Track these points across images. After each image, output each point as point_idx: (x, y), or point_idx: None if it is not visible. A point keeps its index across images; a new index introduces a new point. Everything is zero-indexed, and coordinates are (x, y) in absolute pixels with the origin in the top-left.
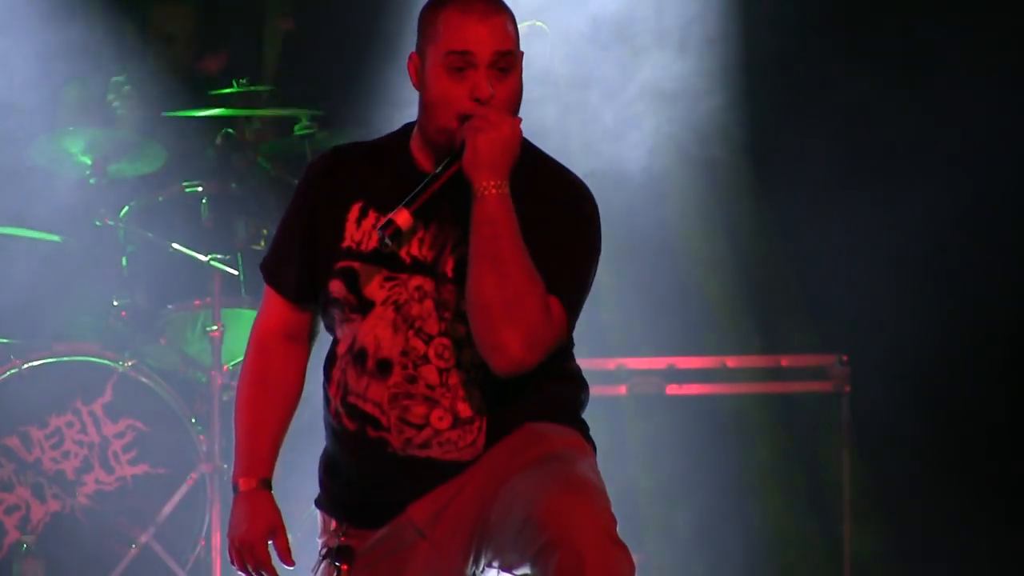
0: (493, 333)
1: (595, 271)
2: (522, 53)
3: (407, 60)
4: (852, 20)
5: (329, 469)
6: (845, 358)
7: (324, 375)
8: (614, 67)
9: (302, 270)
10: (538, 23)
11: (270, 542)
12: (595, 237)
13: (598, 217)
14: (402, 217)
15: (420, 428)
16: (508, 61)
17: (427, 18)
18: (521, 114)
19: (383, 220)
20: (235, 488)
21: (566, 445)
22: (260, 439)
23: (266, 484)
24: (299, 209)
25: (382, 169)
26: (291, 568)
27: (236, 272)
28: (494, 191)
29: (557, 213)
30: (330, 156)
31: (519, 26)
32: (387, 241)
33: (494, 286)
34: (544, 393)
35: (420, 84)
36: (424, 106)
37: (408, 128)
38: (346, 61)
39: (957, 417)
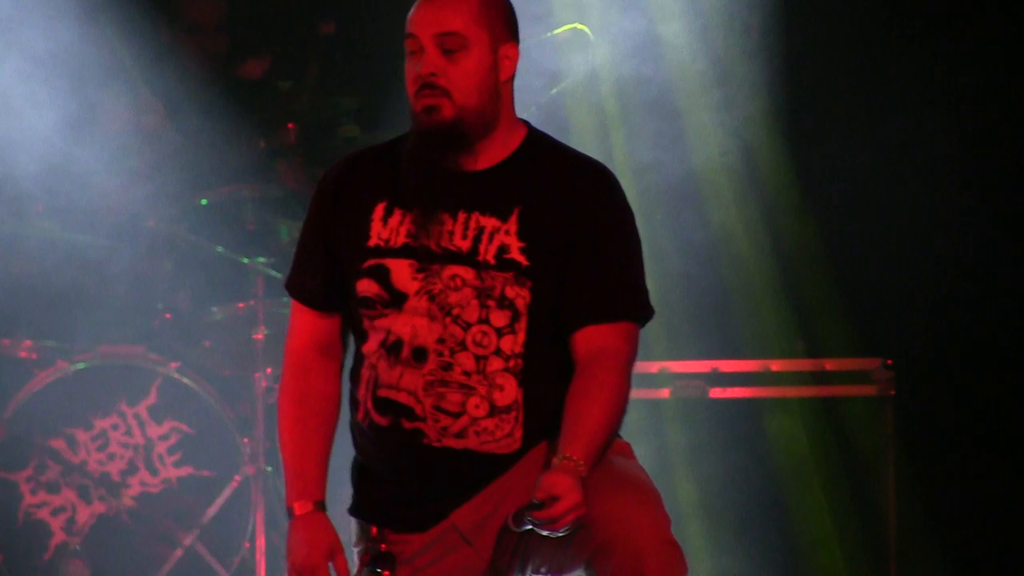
0: None
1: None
2: (490, 38)
3: None
4: (899, 15)
5: (363, 473)
6: (890, 362)
7: (351, 382)
8: (652, 68)
9: (327, 278)
10: (580, 26)
11: (331, 563)
12: (633, 225)
13: (629, 205)
14: None
15: (456, 416)
16: (453, 42)
17: None
18: (563, 111)
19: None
20: (291, 512)
21: (611, 448)
22: (309, 461)
23: (321, 506)
24: (317, 219)
25: (399, 165)
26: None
27: (279, 275)
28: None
29: (604, 225)
30: (342, 165)
31: (560, 29)
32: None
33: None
34: None
35: None
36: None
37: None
38: (388, 64)
39: (1003, 420)
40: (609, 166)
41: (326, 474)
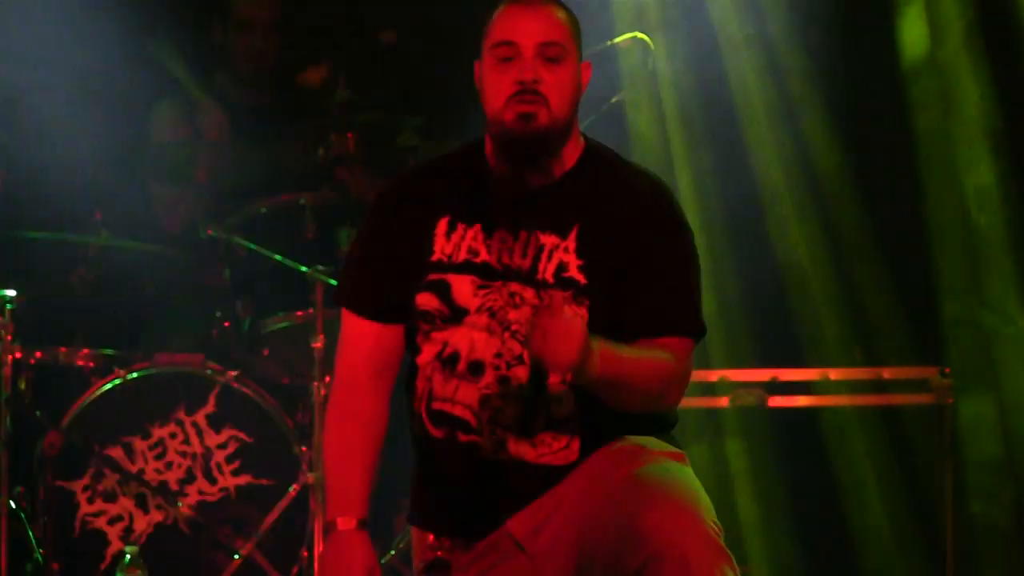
0: (644, 411)
1: (700, 280)
2: (578, 52)
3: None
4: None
5: (421, 482)
6: (947, 370)
7: (407, 392)
8: (713, 78)
9: (386, 290)
10: (640, 35)
11: None
12: (690, 240)
13: (688, 224)
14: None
15: (512, 429)
16: (555, 52)
17: (486, 22)
18: (623, 119)
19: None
20: (332, 527)
21: (665, 457)
22: (354, 477)
23: (364, 525)
24: (377, 233)
25: (461, 181)
26: None
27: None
28: (585, 377)
29: (658, 238)
30: (404, 178)
31: (621, 38)
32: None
33: (630, 405)
34: None
35: (479, 87)
36: (484, 104)
37: (479, 139)
38: (448, 73)
39: None
40: (669, 174)
41: (370, 492)
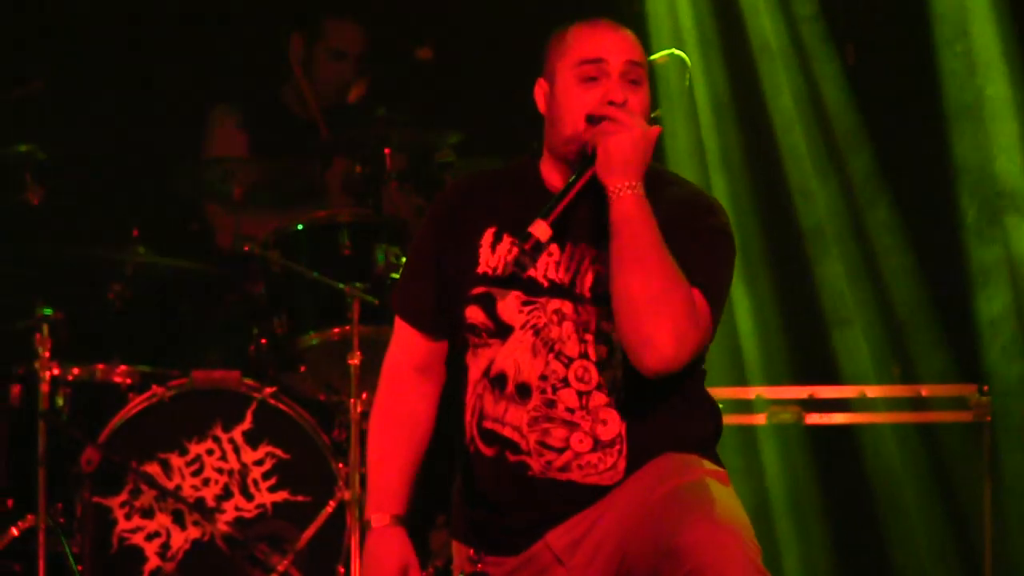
0: (642, 328)
1: (731, 279)
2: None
3: (533, 88)
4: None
5: (465, 496)
6: (986, 388)
7: (457, 403)
8: (748, 94)
9: (435, 301)
10: (677, 52)
11: None
12: (730, 247)
13: (731, 231)
14: (540, 228)
15: (560, 451)
16: (638, 73)
17: (555, 39)
18: (661, 137)
19: (523, 234)
20: (368, 524)
21: (706, 474)
22: (391, 475)
23: (399, 520)
24: (428, 241)
25: (512, 194)
26: None
27: (375, 300)
28: (629, 192)
29: (691, 223)
30: (456, 187)
31: (658, 55)
32: (527, 255)
33: (640, 283)
34: (682, 420)
35: (548, 106)
36: (552, 124)
37: (535, 156)
38: (487, 89)
39: None
40: (704, 186)
41: (409, 491)
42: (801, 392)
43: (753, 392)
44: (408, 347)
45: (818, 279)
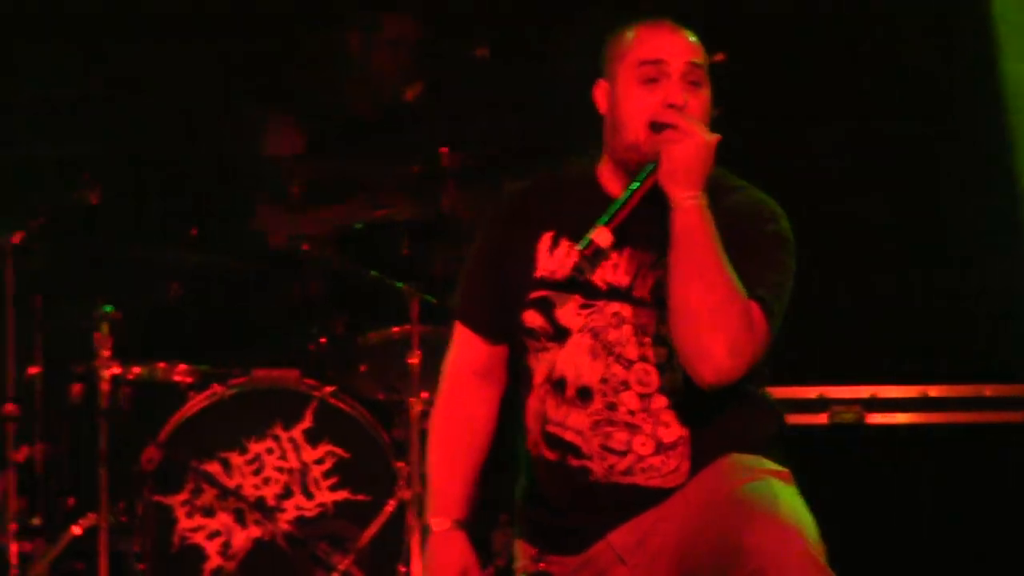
0: (698, 340)
1: (791, 287)
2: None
3: (594, 89)
4: None
5: (528, 497)
6: None
7: (519, 407)
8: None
9: (493, 304)
10: (720, 56)
11: None
12: (790, 256)
13: (792, 236)
14: (602, 236)
15: (623, 455)
16: (699, 75)
17: (616, 40)
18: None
19: (584, 240)
20: (428, 528)
21: (770, 475)
22: (452, 479)
23: (460, 524)
24: (487, 245)
25: (569, 198)
26: None
27: (434, 300)
28: (692, 202)
29: (752, 232)
30: (514, 192)
31: (718, 56)
32: (587, 261)
33: (697, 295)
34: (744, 421)
35: (609, 107)
36: (613, 126)
37: (593, 159)
38: (545, 87)
39: None
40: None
41: (469, 494)
42: (863, 392)
43: (814, 392)
44: (468, 351)
45: (879, 275)
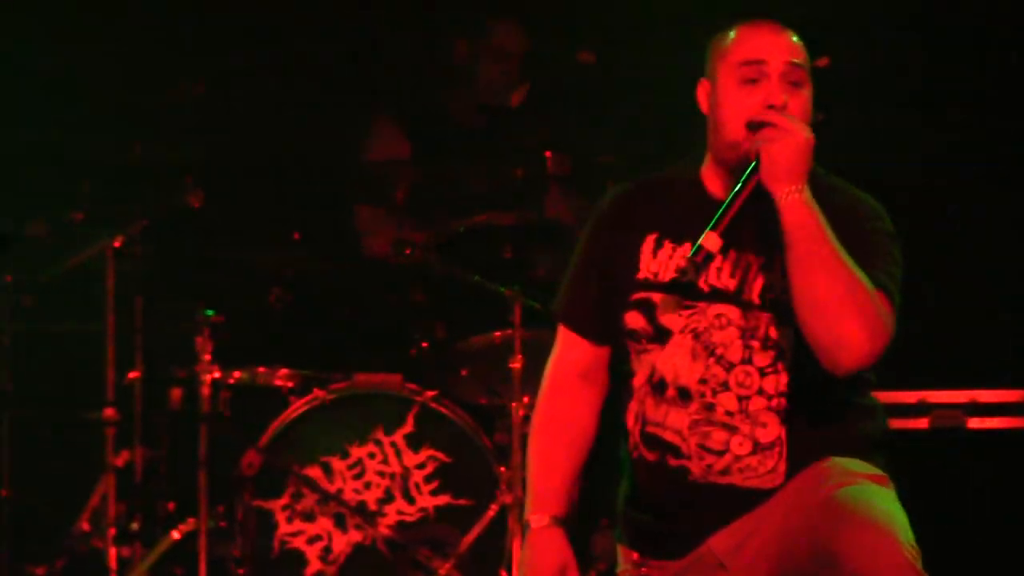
0: (834, 329)
1: (901, 281)
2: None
3: (696, 89)
4: None
5: (630, 501)
6: None
7: (621, 410)
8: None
9: (598, 306)
10: (824, 61)
11: None
12: (898, 248)
13: (892, 229)
14: (711, 241)
15: (720, 455)
16: (800, 75)
17: (718, 41)
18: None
19: (694, 247)
20: (527, 526)
21: (868, 479)
22: (551, 477)
23: (558, 521)
24: (592, 247)
25: (673, 200)
26: None
27: (537, 304)
28: (797, 196)
29: (859, 229)
30: (618, 194)
31: (822, 60)
32: (696, 267)
33: (825, 285)
34: (844, 424)
35: (710, 107)
36: (714, 126)
37: (696, 160)
38: (648, 91)
39: None
40: (861, 189)
41: (569, 493)
42: (963, 396)
43: (915, 396)
44: (571, 353)
45: (981, 279)
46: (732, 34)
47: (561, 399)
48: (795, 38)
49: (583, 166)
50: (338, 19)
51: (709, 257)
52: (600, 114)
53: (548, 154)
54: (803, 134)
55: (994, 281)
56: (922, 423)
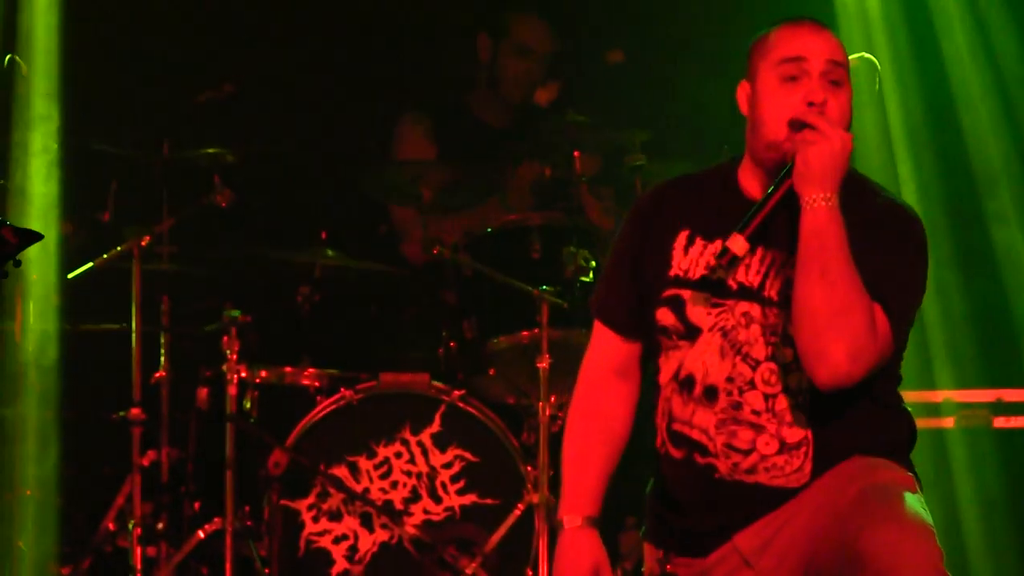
0: (817, 341)
1: (922, 293)
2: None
3: (737, 90)
4: None
5: (658, 498)
6: None
7: (650, 405)
8: (942, 95)
9: (632, 303)
10: (867, 55)
11: None
12: (922, 261)
13: (926, 241)
14: (737, 244)
15: (747, 453)
16: (839, 74)
17: (759, 41)
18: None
19: (721, 250)
20: (560, 525)
21: (894, 479)
22: (586, 476)
23: (592, 522)
24: (627, 244)
25: (707, 198)
26: None
27: (565, 304)
28: (823, 204)
29: (884, 235)
30: (655, 190)
31: (849, 58)
32: (724, 269)
33: (821, 296)
34: (871, 424)
35: (750, 107)
36: (754, 125)
37: (734, 160)
38: (678, 91)
39: None
40: (894, 190)
41: (603, 491)
42: (989, 395)
43: (941, 396)
44: (606, 350)
45: (1007, 279)
46: (773, 33)
47: (596, 397)
48: (835, 37)
49: (612, 166)
50: (368, 19)
51: (735, 260)
52: (629, 113)
53: (577, 154)
54: (840, 140)
55: (1021, 280)
56: (948, 423)
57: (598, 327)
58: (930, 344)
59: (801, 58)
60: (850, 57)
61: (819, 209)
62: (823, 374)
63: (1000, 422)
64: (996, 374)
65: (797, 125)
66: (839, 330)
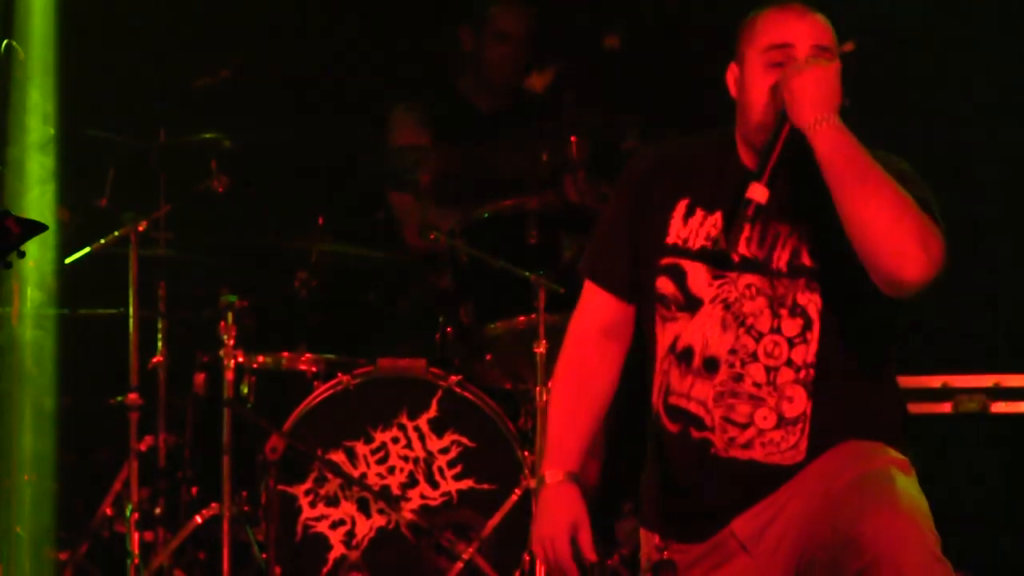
0: (890, 241)
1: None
2: (839, 61)
3: (725, 73)
4: None
5: (653, 478)
6: None
7: (645, 384)
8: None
9: (624, 263)
10: (849, 46)
11: (574, 537)
12: (938, 205)
13: (927, 187)
14: (758, 192)
15: (744, 427)
16: (826, 58)
17: (746, 25)
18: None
19: (744, 202)
20: (541, 480)
21: (889, 463)
22: (570, 433)
23: (572, 477)
24: (622, 205)
25: (708, 168)
26: (592, 562)
27: (562, 289)
28: (826, 124)
29: (897, 180)
30: (651, 155)
31: (844, 46)
32: (748, 219)
33: (875, 202)
34: (867, 404)
35: (738, 90)
36: (742, 109)
37: (726, 134)
38: (674, 77)
39: None
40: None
41: (585, 449)
42: (987, 380)
43: (938, 380)
44: (596, 309)
45: (1006, 263)
46: (759, 18)
47: (582, 356)
48: (823, 20)
49: (608, 151)
50: (362, 2)
51: (760, 209)
52: (626, 99)
53: (573, 139)
54: (820, 68)
55: (1019, 264)
56: (945, 407)
57: (589, 287)
58: (927, 329)
59: (787, 44)
60: (850, 44)
61: (824, 129)
62: (909, 270)
63: (998, 407)
64: (994, 359)
65: (775, 87)
66: (905, 225)
